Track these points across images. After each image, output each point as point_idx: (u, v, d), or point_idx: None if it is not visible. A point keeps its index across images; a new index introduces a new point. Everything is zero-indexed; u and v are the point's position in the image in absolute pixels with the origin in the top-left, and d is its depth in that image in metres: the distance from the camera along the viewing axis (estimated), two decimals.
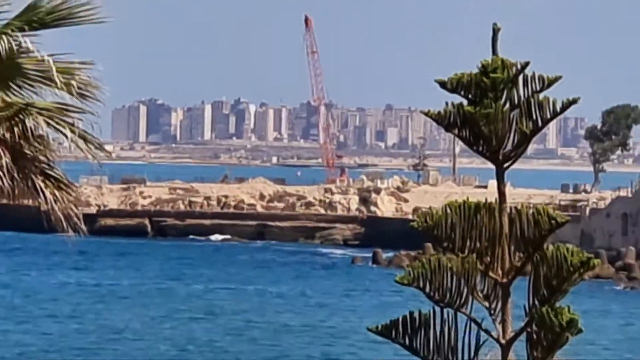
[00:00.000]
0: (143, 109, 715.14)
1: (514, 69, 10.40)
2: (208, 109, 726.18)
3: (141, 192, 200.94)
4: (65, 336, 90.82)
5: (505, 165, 10.58)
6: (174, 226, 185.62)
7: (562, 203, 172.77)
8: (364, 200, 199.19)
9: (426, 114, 11.21)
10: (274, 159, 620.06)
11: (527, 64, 10.53)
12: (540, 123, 10.49)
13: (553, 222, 10.55)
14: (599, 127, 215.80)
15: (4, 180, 30.83)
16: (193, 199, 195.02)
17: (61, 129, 32.05)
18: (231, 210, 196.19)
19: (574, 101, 10.29)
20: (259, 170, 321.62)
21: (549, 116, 10.48)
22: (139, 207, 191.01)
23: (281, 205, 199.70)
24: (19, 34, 30.79)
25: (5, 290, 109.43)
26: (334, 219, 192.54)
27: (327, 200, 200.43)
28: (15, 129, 30.85)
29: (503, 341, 10.13)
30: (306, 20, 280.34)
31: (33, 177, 31.34)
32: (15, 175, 30.41)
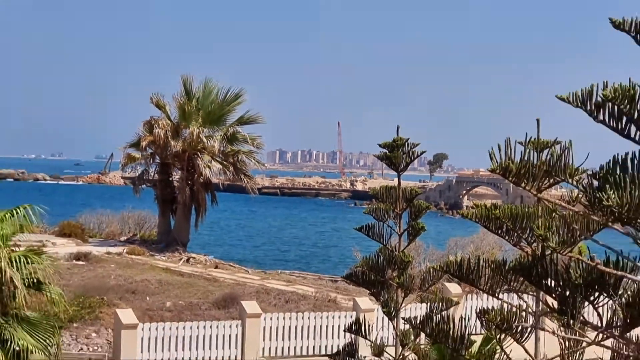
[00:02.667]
0: (277, 152, 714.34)
1: (403, 140, 9.78)
2: (299, 153, 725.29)
3: (276, 180, 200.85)
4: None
5: (401, 173, 10.13)
6: (287, 192, 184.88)
7: (419, 186, 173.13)
8: (352, 184, 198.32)
9: (375, 156, 10.90)
10: (321, 170, 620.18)
11: (408, 139, 10.02)
12: (412, 159, 10.00)
13: (417, 192, 10.19)
14: (431, 159, 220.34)
15: (230, 176, 30.78)
16: (294, 183, 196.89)
17: (251, 158, 32.12)
18: (307, 186, 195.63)
19: (423, 152, 10.12)
20: (316, 173, 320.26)
21: (415, 157, 10.02)
22: (275, 184, 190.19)
23: (324, 185, 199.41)
24: (236, 126, 30.68)
25: (241, 214, 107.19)
26: (341, 190, 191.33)
27: (340, 184, 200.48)
28: (235, 158, 30.92)
29: (399, 232, 9.81)
30: (338, 123, 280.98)
31: (241, 175, 31.44)
32: (234, 174, 30.62)
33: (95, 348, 18.01)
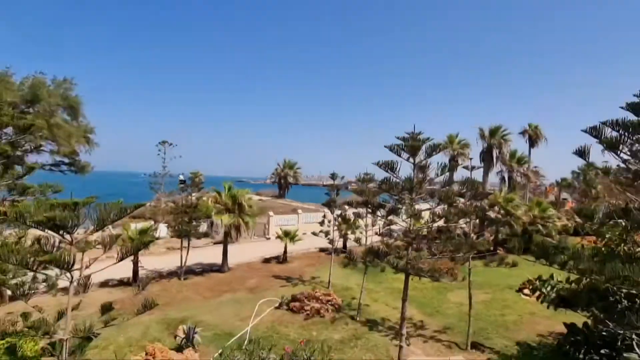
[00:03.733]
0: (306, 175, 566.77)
1: (363, 173, 9.22)
2: (317, 174, 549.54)
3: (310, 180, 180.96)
4: None
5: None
6: (314, 185, 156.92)
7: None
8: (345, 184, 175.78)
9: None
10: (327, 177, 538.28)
11: (369, 173, 8.86)
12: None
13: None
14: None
15: (295, 181, 39.77)
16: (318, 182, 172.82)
17: (301, 177, 40.40)
18: (324, 186, 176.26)
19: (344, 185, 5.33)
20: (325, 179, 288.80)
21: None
22: (310, 182, 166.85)
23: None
24: (295, 168, 41.00)
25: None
26: (340, 187, 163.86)
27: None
28: (296, 176, 39.79)
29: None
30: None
31: (299, 181, 39.39)
32: (297, 180, 40.86)
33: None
